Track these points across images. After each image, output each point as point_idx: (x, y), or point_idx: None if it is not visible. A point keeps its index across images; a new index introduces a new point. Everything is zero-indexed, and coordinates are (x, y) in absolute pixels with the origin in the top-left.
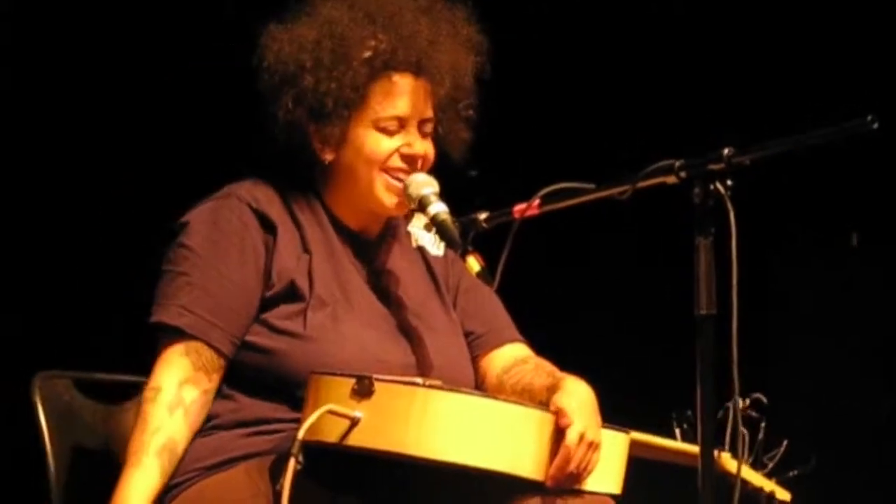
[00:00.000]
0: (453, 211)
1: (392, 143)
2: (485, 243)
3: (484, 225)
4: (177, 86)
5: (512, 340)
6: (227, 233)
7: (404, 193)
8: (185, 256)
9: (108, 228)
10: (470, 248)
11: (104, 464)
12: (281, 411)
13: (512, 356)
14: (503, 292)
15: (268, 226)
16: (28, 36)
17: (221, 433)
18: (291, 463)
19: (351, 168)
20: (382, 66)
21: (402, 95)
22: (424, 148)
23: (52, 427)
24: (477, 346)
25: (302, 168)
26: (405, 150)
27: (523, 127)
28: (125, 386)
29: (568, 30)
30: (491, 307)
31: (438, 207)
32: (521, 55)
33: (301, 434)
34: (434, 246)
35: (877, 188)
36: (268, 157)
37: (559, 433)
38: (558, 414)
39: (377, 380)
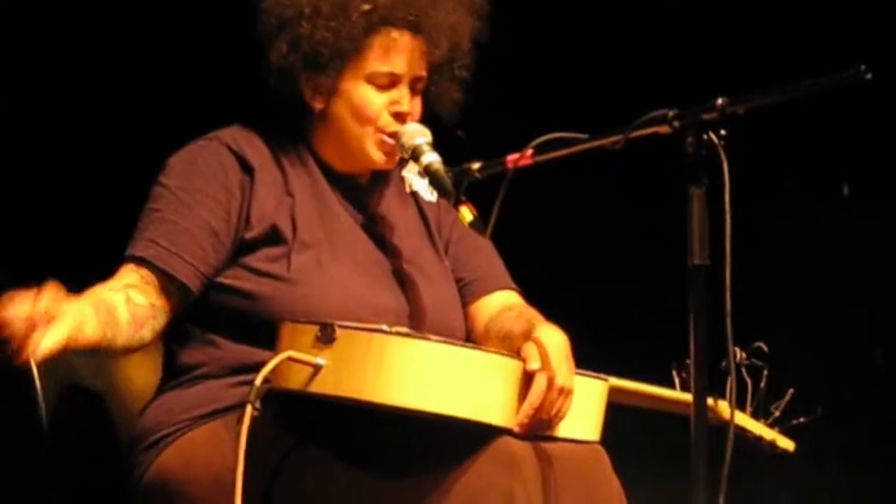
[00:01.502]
0: (446, 161)
1: (381, 99)
2: (478, 192)
3: (477, 174)
4: (174, 25)
5: (502, 287)
6: (203, 172)
7: (397, 143)
8: (161, 194)
9: (97, 167)
10: (463, 198)
11: (96, 417)
12: (268, 356)
13: (500, 304)
14: (496, 242)
15: (246, 168)
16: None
17: (209, 382)
18: (248, 410)
19: (341, 120)
20: (381, 21)
21: (398, 52)
22: (413, 106)
23: (42, 378)
24: (466, 293)
25: (290, 113)
26: (394, 108)
27: (517, 77)
28: None
29: None
30: (482, 255)
31: (431, 157)
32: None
33: (258, 381)
34: (427, 192)
35: (867, 138)
36: (256, 99)
37: (528, 380)
38: (526, 360)
39: (340, 326)
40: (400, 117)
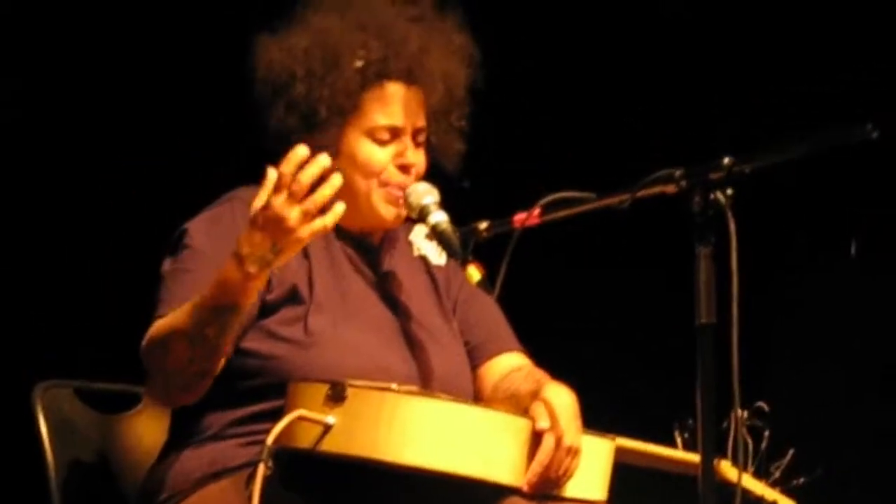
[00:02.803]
0: (454, 220)
1: (385, 154)
2: (486, 253)
3: (484, 234)
4: (174, 95)
5: (509, 350)
6: (228, 230)
7: (405, 203)
8: (187, 256)
9: (106, 237)
10: (470, 258)
11: (105, 474)
12: (279, 417)
13: (508, 365)
14: (503, 302)
15: None
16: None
17: (219, 442)
18: (261, 469)
19: (346, 178)
20: (375, 75)
21: (395, 104)
22: (417, 158)
23: (52, 437)
24: (474, 355)
25: None
26: (399, 161)
27: (523, 135)
28: (126, 396)
29: (567, 38)
30: (490, 316)
31: (439, 217)
32: (521, 63)
33: (270, 440)
34: (436, 255)
35: (876, 196)
36: (260, 163)
37: (537, 439)
38: (535, 419)
39: (351, 385)
40: (405, 169)
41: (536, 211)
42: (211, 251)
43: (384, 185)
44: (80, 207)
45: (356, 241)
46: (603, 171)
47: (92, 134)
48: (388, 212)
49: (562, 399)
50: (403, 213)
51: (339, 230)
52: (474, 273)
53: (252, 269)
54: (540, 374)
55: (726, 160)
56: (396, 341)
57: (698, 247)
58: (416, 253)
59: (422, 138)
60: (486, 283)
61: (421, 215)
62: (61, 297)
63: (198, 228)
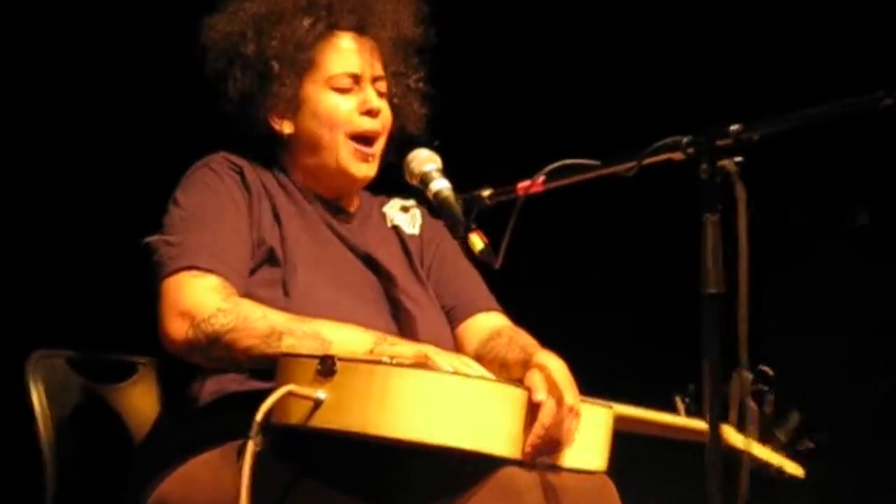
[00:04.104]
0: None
1: (349, 103)
2: (488, 221)
3: (487, 202)
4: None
5: (487, 309)
6: (217, 187)
7: (405, 169)
8: (184, 217)
9: (100, 208)
10: (473, 226)
11: (99, 443)
12: (267, 388)
13: (487, 327)
14: (505, 270)
15: (247, 187)
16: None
17: (209, 414)
18: (250, 446)
19: (313, 135)
20: (325, 27)
21: (351, 53)
22: (382, 104)
23: (45, 406)
24: (451, 317)
25: (264, 149)
26: (363, 107)
27: (526, 103)
28: (121, 365)
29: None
30: (464, 277)
31: (441, 184)
32: (523, 28)
33: (259, 416)
34: (409, 226)
35: (884, 165)
36: (228, 137)
37: (533, 410)
38: (531, 389)
39: (341, 359)
40: (372, 115)
41: (540, 178)
42: (208, 209)
43: (352, 137)
44: (73, 181)
45: (331, 206)
46: (607, 140)
47: (70, 113)
48: (357, 169)
49: (556, 363)
50: (372, 171)
51: (313, 194)
52: (477, 241)
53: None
54: (524, 340)
55: (734, 127)
56: (377, 302)
57: (705, 214)
58: (389, 224)
59: (382, 88)
60: (490, 251)
61: (422, 182)
62: (56, 266)
63: (189, 193)
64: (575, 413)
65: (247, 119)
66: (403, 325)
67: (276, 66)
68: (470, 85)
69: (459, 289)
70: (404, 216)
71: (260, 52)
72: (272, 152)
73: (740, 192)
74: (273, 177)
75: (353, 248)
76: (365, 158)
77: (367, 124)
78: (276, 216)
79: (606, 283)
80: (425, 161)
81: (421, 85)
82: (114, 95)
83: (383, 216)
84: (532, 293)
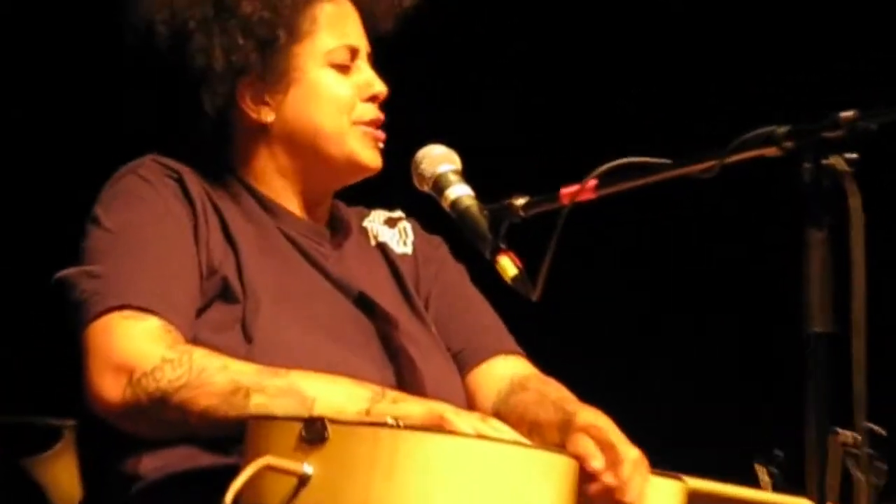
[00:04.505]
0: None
1: (350, 83)
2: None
3: (521, 213)
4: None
5: (505, 351)
6: (150, 200)
7: (414, 171)
8: (111, 241)
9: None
10: (503, 246)
11: None
12: (230, 463)
13: (506, 376)
14: (541, 305)
15: (189, 198)
16: None
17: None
18: None
19: (306, 122)
20: None
21: (348, 21)
22: (384, 86)
23: None
24: (458, 363)
25: (208, 149)
26: (367, 91)
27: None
28: (40, 431)
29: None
30: (473, 311)
31: (461, 190)
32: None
33: (229, 498)
34: (398, 243)
35: None
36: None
37: (584, 483)
38: (584, 457)
39: (333, 422)
40: (376, 100)
41: (591, 182)
42: (138, 229)
43: (357, 123)
44: None
45: (298, 223)
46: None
47: None
48: (371, 158)
49: (604, 421)
50: (381, 160)
51: (274, 209)
52: (509, 266)
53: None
54: (557, 393)
55: (847, 114)
56: (367, 345)
57: (810, 230)
58: (373, 241)
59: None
60: (526, 278)
61: (436, 188)
62: None
63: (113, 208)
64: (643, 471)
65: (195, 107)
66: (403, 375)
67: (264, 31)
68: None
69: (469, 326)
70: (391, 231)
71: (247, 17)
72: (220, 152)
73: (854, 200)
74: (221, 185)
75: (330, 276)
76: (377, 146)
77: (374, 113)
78: (229, 237)
79: (669, 323)
80: (440, 161)
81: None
82: None
83: (365, 232)
84: (574, 335)
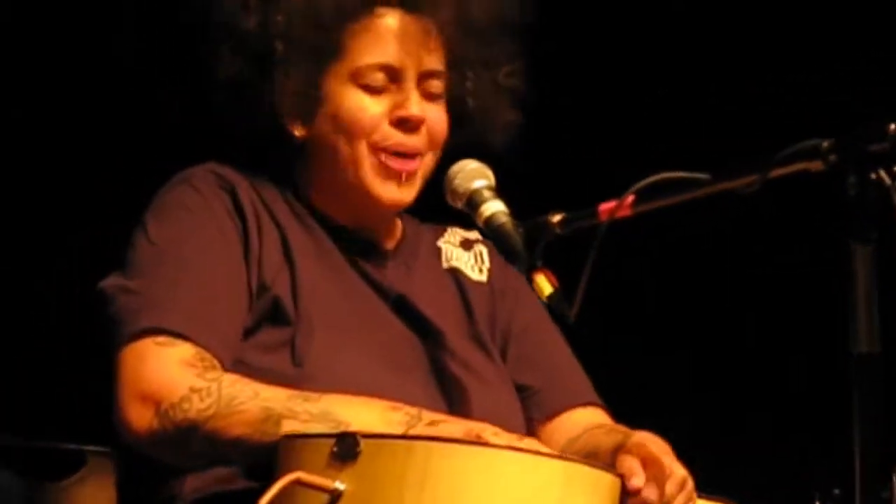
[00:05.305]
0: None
1: (378, 105)
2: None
3: (558, 230)
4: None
5: (585, 403)
6: (200, 214)
7: (447, 188)
8: (154, 255)
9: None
10: (539, 264)
11: None
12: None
13: (582, 424)
14: (579, 328)
15: (241, 213)
16: None
17: None
18: None
19: (328, 143)
20: (361, 2)
21: (390, 37)
22: (430, 112)
23: None
24: (533, 405)
25: (272, 159)
26: (397, 113)
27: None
28: (66, 457)
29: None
30: (557, 355)
31: (495, 206)
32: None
33: None
34: (473, 269)
35: None
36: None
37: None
38: (627, 475)
39: (365, 437)
40: (406, 124)
41: (629, 198)
42: (184, 244)
43: (377, 149)
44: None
45: (360, 243)
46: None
47: None
48: (384, 190)
49: (657, 441)
50: (409, 194)
51: (335, 227)
52: (545, 285)
53: None
54: (626, 430)
55: (894, 126)
56: (422, 375)
57: (855, 245)
58: (444, 264)
59: (436, 88)
60: (562, 298)
61: (470, 205)
62: None
63: (161, 218)
64: (689, 492)
65: (249, 117)
66: (454, 404)
67: (280, 47)
68: None
69: (549, 371)
70: (466, 255)
71: (262, 28)
72: (285, 163)
73: None
74: (282, 199)
75: (388, 298)
76: (395, 176)
77: (399, 138)
78: (287, 254)
79: (719, 349)
80: (474, 176)
81: (514, 81)
82: None
83: (437, 253)
84: (616, 358)
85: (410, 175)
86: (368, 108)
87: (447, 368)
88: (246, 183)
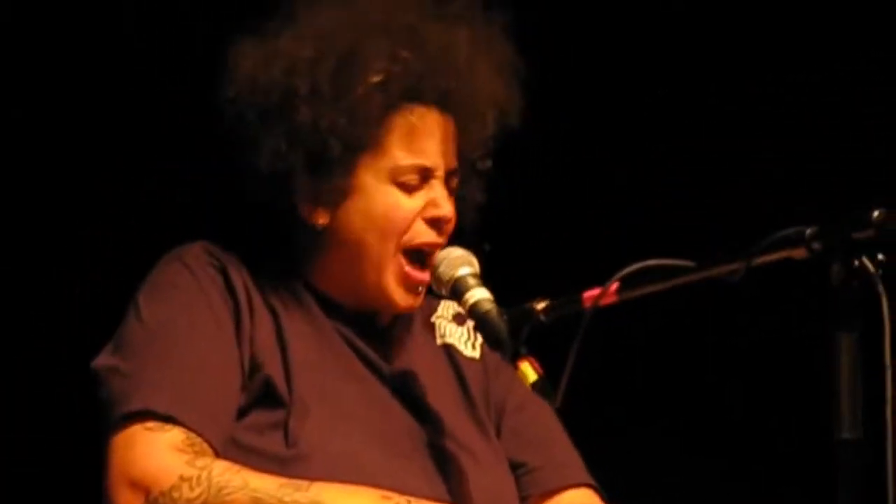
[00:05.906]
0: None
1: (412, 203)
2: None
3: (542, 317)
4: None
5: (576, 484)
6: (192, 294)
7: (432, 275)
8: (144, 337)
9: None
10: (523, 351)
11: None
12: None
13: None
14: (566, 413)
15: (232, 292)
16: None
17: None
18: None
19: (354, 237)
20: (401, 95)
21: (426, 137)
22: (452, 210)
23: None
24: (528, 483)
25: (275, 235)
26: (431, 212)
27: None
28: None
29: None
30: (551, 435)
31: (479, 294)
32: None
33: None
34: (467, 345)
35: None
36: (222, 215)
37: None
38: None
39: None
40: (437, 224)
41: (614, 286)
42: (176, 324)
43: (405, 250)
44: None
45: (357, 321)
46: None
47: None
48: (403, 298)
49: None
50: (420, 300)
51: (332, 305)
52: (529, 373)
53: None
54: None
55: (877, 213)
56: (416, 453)
57: (839, 333)
58: (439, 340)
59: (455, 184)
60: (547, 386)
61: (454, 292)
62: None
63: (151, 297)
64: None
65: (264, 196)
66: (452, 487)
67: (336, 148)
68: None
69: (544, 448)
70: (459, 331)
71: (316, 121)
72: (286, 242)
73: (885, 303)
74: (279, 280)
75: (385, 380)
76: (413, 287)
77: (430, 237)
78: (280, 334)
79: (705, 432)
80: (458, 263)
81: (488, 165)
82: None
83: (431, 328)
84: (599, 442)
85: (426, 285)
86: (404, 206)
87: (443, 448)
88: (237, 262)
